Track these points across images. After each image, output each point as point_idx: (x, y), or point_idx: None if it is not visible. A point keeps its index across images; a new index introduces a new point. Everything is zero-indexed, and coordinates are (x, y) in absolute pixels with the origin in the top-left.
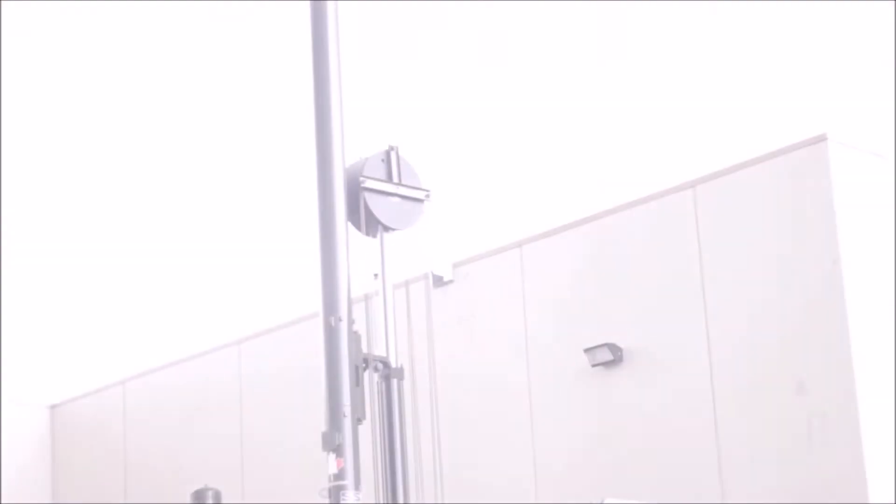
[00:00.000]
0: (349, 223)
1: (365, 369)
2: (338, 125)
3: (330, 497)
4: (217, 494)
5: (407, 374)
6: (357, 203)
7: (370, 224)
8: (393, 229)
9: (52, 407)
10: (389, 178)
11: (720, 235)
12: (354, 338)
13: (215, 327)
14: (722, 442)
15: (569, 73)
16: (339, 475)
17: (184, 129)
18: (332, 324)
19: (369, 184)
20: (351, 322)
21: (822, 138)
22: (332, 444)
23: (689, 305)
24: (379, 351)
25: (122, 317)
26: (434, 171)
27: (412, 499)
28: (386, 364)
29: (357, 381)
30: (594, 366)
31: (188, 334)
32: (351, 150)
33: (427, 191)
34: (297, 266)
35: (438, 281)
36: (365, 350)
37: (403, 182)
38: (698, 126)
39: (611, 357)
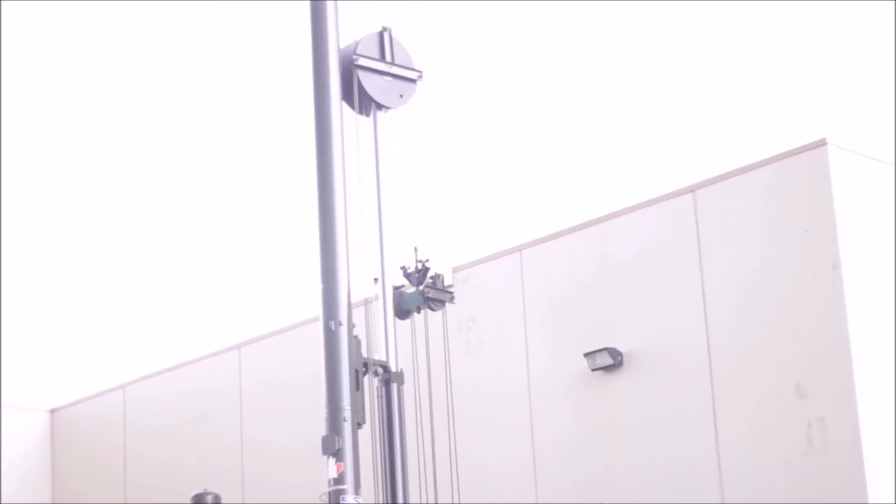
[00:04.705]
0: (343, 103)
1: (365, 373)
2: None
3: (330, 500)
4: (217, 498)
5: (407, 378)
6: (351, 82)
7: (363, 102)
8: (386, 107)
9: (52, 411)
10: (382, 58)
11: (720, 240)
12: (354, 342)
13: (215, 332)
14: (722, 446)
15: (568, 77)
16: (339, 479)
17: (185, 135)
18: (332, 328)
19: (362, 62)
20: (351, 326)
21: (821, 143)
22: (331, 448)
23: (689, 310)
24: (379, 355)
25: (122, 321)
26: (435, 174)
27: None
28: (386, 368)
29: (357, 386)
30: (594, 370)
31: (188, 339)
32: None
33: (419, 71)
34: (297, 270)
35: None
36: (365, 354)
37: (396, 62)
38: (698, 130)
39: (611, 361)
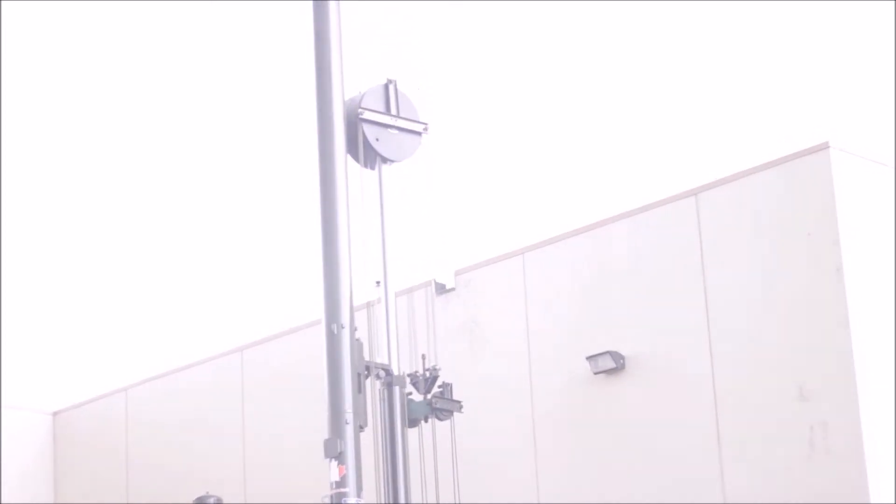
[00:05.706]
0: (348, 156)
1: (367, 376)
2: (337, 60)
3: (332, 503)
4: (218, 500)
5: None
6: (356, 135)
7: (368, 156)
8: (391, 161)
9: (54, 414)
10: (388, 111)
11: (722, 243)
12: (356, 345)
13: (217, 334)
14: (724, 449)
15: (570, 80)
16: (341, 482)
17: (187, 137)
18: (335, 331)
19: (367, 115)
20: (353, 329)
21: (824, 146)
22: (334, 451)
23: (691, 313)
24: (381, 358)
25: (124, 324)
26: (437, 175)
27: None
28: (388, 371)
29: (359, 389)
30: (596, 373)
31: (190, 341)
32: (349, 88)
33: (425, 124)
34: (299, 273)
35: (441, 289)
36: (367, 357)
37: (402, 115)
38: (701, 134)
39: (613, 365)
